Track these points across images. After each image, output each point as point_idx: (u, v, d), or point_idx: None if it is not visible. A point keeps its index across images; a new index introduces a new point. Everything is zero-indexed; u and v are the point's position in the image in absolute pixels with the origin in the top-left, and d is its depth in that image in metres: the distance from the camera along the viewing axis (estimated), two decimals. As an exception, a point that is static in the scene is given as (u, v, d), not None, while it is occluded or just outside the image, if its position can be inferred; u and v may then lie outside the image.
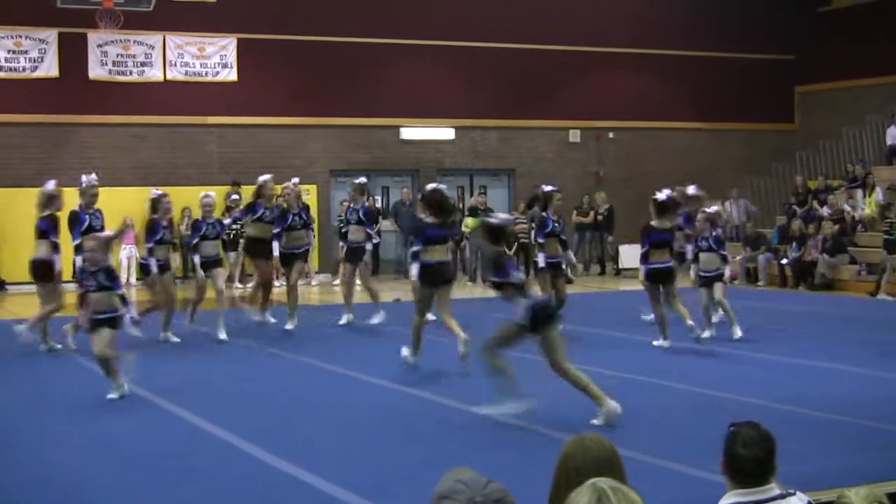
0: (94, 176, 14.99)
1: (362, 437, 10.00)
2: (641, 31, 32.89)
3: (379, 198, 30.39)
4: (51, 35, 27.48)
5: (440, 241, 13.89)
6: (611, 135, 32.90)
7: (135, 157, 28.34)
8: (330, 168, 30.23)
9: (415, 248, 13.96)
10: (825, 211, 27.83)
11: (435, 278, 13.78)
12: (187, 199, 27.87)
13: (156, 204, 16.19)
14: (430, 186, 14.29)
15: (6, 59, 27.18)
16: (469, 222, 27.62)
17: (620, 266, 29.60)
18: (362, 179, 19.00)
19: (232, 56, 29.09)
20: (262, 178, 18.43)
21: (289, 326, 17.60)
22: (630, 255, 29.11)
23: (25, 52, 27.35)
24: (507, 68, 31.41)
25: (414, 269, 13.82)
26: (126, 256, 27.49)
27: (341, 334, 17.63)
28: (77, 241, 14.34)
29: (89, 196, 15.21)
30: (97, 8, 25.75)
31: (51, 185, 14.75)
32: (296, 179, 19.17)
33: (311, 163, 29.87)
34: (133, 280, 27.45)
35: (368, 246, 18.48)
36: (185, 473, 8.72)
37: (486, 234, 10.79)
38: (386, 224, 29.27)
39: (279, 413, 11.22)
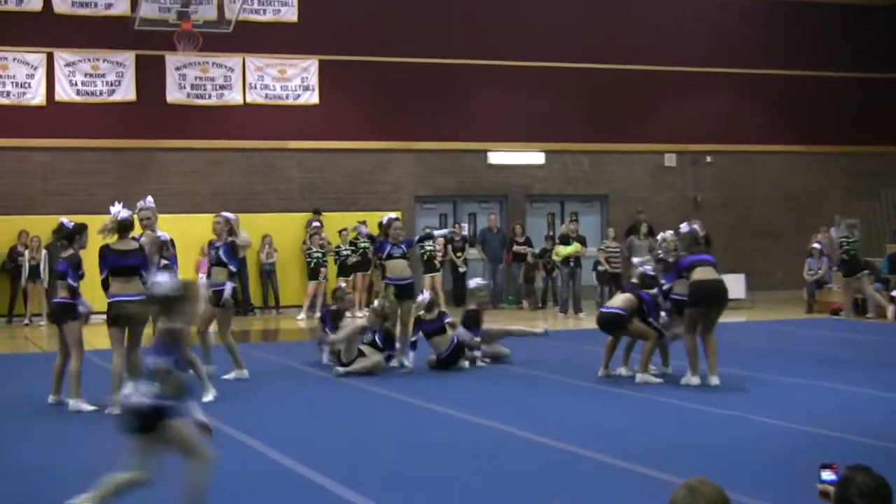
0: (150, 199, 14.36)
1: (443, 470, 9.66)
2: (740, 49, 32.36)
3: (466, 224, 30.09)
4: (128, 58, 27.56)
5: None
6: (708, 158, 32.36)
7: (213, 183, 28.31)
8: (415, 194, 30.00)
9: None
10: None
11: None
12: (266, 227, 27.84)
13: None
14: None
15: (83, 83, 27.29)
16: (560, 250, 27.22)
17: (719, 296, 28.94)
18: (230, 215, 16.04)
19: (313, 78, 29.00)
20: (389, 216, 17.87)
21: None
22: (731, 285, 28.45)
23: (102, 75, 27.45)
24: (600, 89, 31.04)
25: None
26: (204, 286, 27.30)
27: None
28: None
29: (142, 221, 14.51)
30: (175, 30, 25.76)
31: (116, 209, 13.93)
32: (229, 216, 16.21)
33: (394, 188, 29.67)
34: (211, 310, 27.29)
35: (227, 288, 15.55)
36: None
37: None
38: (473, 252, 29.00)
39: (352, 443, 10.93)
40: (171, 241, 14.54)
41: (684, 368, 14.76)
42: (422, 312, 16.51)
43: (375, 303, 17.00)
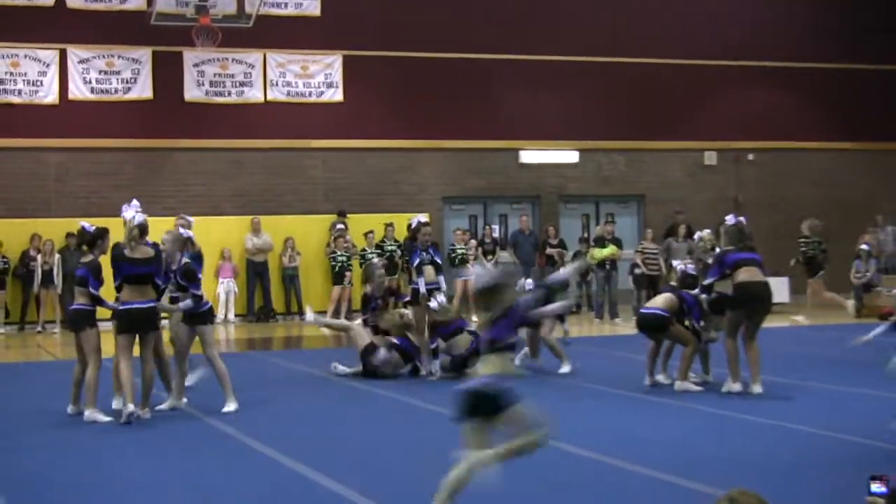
0: (135, 203, 13.99)
1: (476, 485, 9.64)
2: (785, 40, 32.28)
3: (497, 227, 30.07)
4: (144, 54, 27.67)
5: None
6: (750, 156, 32.28)
7: (233, 184, 28.40)
8: (443, 195, 30.02)
9: None
10: None
11: None
12: (289, 229, 27.92)
13: None
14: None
15: (97, 81, 27.42)
16: (596, 253, 27.17)
17: (762, 301, 28.84)
18: (185, 232, 14.37)
19: (337, 75, 29.05)
20: (417, 218, 17.79)
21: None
22: (774, 289, 28.32)
23: (118, 72, 27.57)
24: (636, 85, 30.99)
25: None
26: (224, 291, 27.45)
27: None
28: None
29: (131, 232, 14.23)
30: (193, 25, 25.88)
31: (128, 212, 13.82)
32: (183, 231, 14.51)
33: (421, 189, 29.70)
34: (231, 317, 27.43)
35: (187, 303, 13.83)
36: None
37: None
38: (504, 255, 28.97)
39: (377, 455, 10.93)
40: (193, 239, 14.39)
41: (725, 376, 14.69)
42: (440, 318, 16.50)
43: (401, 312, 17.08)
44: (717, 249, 15.09)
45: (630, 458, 10.45)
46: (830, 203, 32.28)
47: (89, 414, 13.08)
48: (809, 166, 32.58)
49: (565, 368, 16.70)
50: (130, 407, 12.69)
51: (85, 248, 13.52)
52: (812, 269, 25.51)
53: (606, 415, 13.30)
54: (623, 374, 16.09)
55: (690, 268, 15.62)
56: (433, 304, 16.40)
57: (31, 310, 26.33)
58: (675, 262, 17.82)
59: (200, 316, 13.66)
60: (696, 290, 15.01)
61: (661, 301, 15.15)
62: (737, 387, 14.36)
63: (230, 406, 13.56)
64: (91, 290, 13.02)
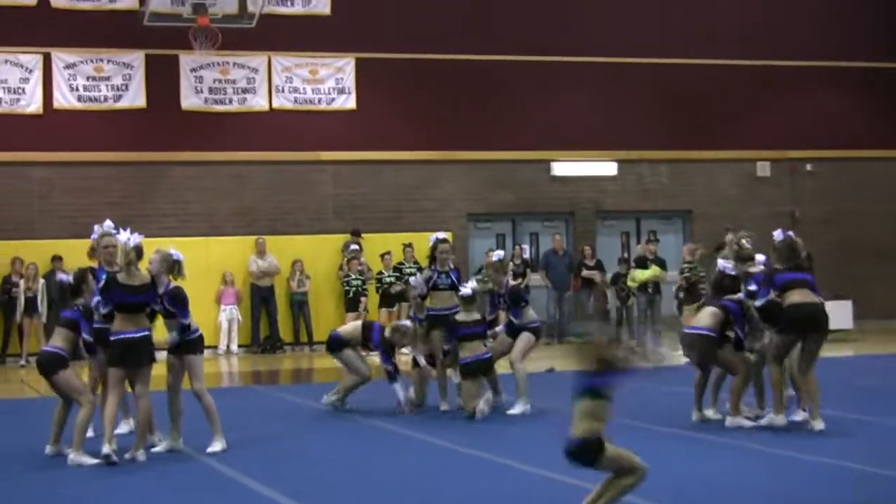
0: (108, 223, 13.88)
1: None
2: (847, 38, 32.10)
3: (526, 246, 29.93)
4: (137, 58, 27.66)
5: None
6: (808, 167, 32.10)
7: (236, 201, 28.34)
8: (467, 212, 29.91)
9: None
10: None
11: None
12: (297, 251, 27.84)
13: None
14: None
15: (85, 88, 27.41)
16: (637, 275, 26.99)
17: (822, 326, 28.63)
18: (177, 254, 13.74)
19: (350, 79, 29.01)
20: (436, 236, 17.57)
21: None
22: (836, 314, 28.16)
23: (107, 78, 27.55)
24: (681, 88, 30.85)
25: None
26: (226, 318, 27.36)
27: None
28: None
29: (103, 251, 14.18)
30: (191, 26, 25.86)
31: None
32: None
33: (444, 206, 29.60)
34: (234, 347, 27.32)
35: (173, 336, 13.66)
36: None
37: None
38: (536, 278, 28.82)
39: (395, 500, 10.80)
40: (182, 263, 14.21)
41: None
42: (461, 315, 16.19)
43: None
44: (760, 257, 14.97)
45: (679, 504, 10.32)
46: (898, 217, 32.07)
47: (74, 457, 12.95)
48: (874, 178, 32.36)
49: (518, 408, 16.10)
50: (106, 448, 12.57)
51: (72, 298, 13.48)
52: (692, 296, 25.70)
53: (651, 454, 13.06)
54: (667, 409, 15.86)
55: (728, 266, 15.30)
56: (464, 290, 16.08)
57: (14, 341, 26.27)
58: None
59: (189, 344, 13.48)
60: (741, 295, 14.78)
61: (706, 318, 14.84)
62: (780, 420, 14.14)
63: (216, 446, 13.41)
64: (84, 335, 13.02)
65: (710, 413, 15.05)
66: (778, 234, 14.59)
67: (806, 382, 14.23)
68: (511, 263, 28.38)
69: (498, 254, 17.37)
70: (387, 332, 16.61)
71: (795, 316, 14.15)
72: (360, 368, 16.72)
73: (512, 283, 16.90)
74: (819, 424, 13.96)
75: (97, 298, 13.16)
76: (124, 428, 14.50)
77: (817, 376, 14.22)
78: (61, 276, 13.82)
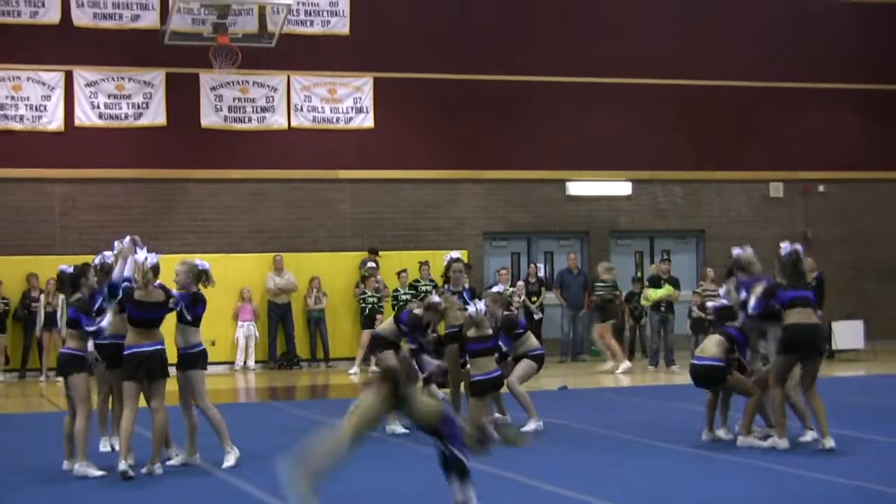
0: (127, 240, 13.87)
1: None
2: (859, 60, 31.98)
3: (542, 265, 29.86)
4: (157, 77, 27.63)
5: None
6: (821, 188, 31.97)
7: (254, 219, 28.29)
8: (483, 230, 29.83)
9: None
10: None
11: None
12: (315, 268, 27.77)
13: None
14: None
15: (106, 106, 27.38)
16: (650, 294, 26.89)
17: (835, 347, 28.48)
18: (202, 264, 13.98)
19: (368, 99, 28.95)
20: (450, 255, 17.50)
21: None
22: (848, 333, 28.12)
23: (128, 96, 27.53)
24: (694, 109, 30.75)
25: None
26: (244, 335, 27.29)
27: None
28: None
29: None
30: (211, 45, 25.82)
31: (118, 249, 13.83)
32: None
33: (460, 224, 29.51)
34: (252, 363, 27.25)
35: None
36: None
37: None
38: (550, 296, 28.73)
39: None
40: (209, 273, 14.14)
41: (799, 429, 14.37)
42: (471, 331, 15.98)
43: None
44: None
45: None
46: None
47: (79, 467, 12.95)
48: (887, 199, 32.23)
49: (531, 426, 16.00)
50: (122, 465, 12.55)
51: (69, 290, 13.49)
52: (604, 315, 26.80)
53: (666, 474, 13.00)
54: (680, 428, 15.80)
55: (722, 302, 15.26)
56: (471, 309, 15.89)
57: (33, 356, 26.25)
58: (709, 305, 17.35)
59: (190, 359, 13.40)
60: (741, 320, 14.71)
61: (711, 347, 14.76)
62: (783, 443, 14.04)
63: (230, 460, 13.34)
64: (86, 328, 12.97)
65: (721, 433, 14.94)
66: (785, 247, 14.42)
67: (812, 402, 14.14)
68: (526, 282, 28.43)
69: (498, 287, 17.28)
70: (416, 310, 16.30)
71: (795, 337, 14.06)
72: None
73: (506, 313, 16.65)
74: (829, 442, 13.87)
75: (101, 324, 13.14)
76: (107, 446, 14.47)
77: (823, 395, 14.13)
78: (63, 266, 13.84)
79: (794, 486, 12.03)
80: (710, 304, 15.51)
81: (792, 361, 14.14)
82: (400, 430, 15.80)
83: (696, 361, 15.13)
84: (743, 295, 14.61)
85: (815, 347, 14.20)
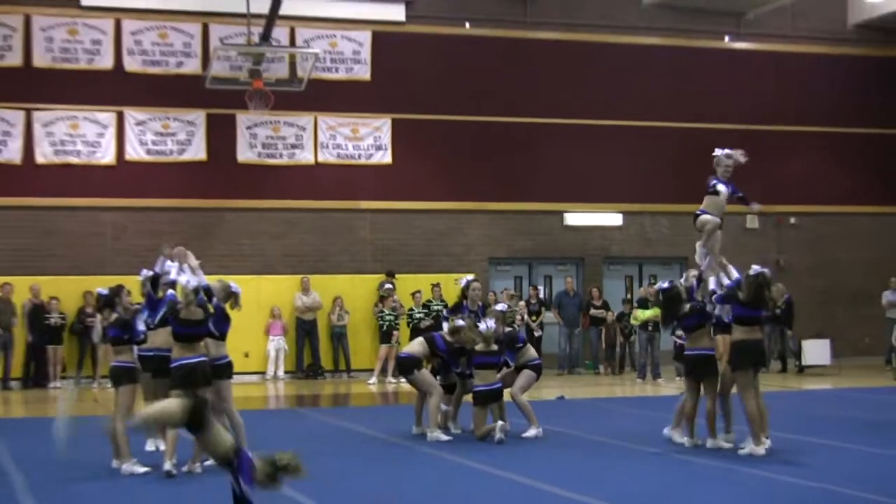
0: (144, 271, 13.99)
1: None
2: (825, 107, 32.04)
3: (541, 287, 29.91)
4: (199, 117, 27.72)
5: None
6: (792, 220, 31.96)
7: (284, 244, 28.33)
8: (489, 256, 29.84)
9: None
10: None
11: None
12: (338, 289, 27.81)
13: None
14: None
15: (153, 142, 27.47)
16: (639, 315, 26.92)
17: (804, 363, 28.47)
18: (233, 285, 14.09)
19: (386, 137, 29.00)
20: (467, 278, 17.55)
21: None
22: (816, 351, 28.15)
23: (173, 134, 27.62)
24: (679, 149, 30.71)
25: None
26: (274, 348, 27.32)
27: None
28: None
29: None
30: (247, 89, 25.85)
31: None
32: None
33: (469, 250, 29.54)
34: (281, 373, 27.28)
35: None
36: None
37: None
38: (549, 316, 28.75)
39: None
40: (239, 295, 14.22)
41: (746, 433, 14.34)
42: (479, 346, 15.97)
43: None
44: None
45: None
46: (875, 266, 31.73)
47: (126, 466, 13.05)
48: (851, 230, 32.23)
49: (532, 432, 16.05)
50: (167, 465, 12.67)
51: (106, 311, 13.64)
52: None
53: (651, 477, 12.98)
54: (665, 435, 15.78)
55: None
56: (482, 326, 15.89)
57: (87, 364, 26.32)
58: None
59: (218, 369, 13.49)
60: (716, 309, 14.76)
61: (706, 340, 14.81)
62: (760, 449, 14.06)
63: None
64: (137, 337, 13.24)
65: (721, 440, 14.80)
66: (755, 268, 14.46)
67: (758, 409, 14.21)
68: (526, 303, 28.44)
69: (501, 305, 17.22)
70: (448, 337, 16.28)
71: (741, 351, 14.15)
72: (434, 384, 16.15)
73: (507, 329, 16.66)
74: (759, 450, 13.98)
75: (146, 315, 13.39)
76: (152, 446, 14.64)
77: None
78: (99, 289, 14.08)
79: (768, 489, 12.02)
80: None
81: (741, 373, 14.18)
82: (444, 437, 15.83)
83: (690, 352, 15.02)
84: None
85: (756, 361, 14.29)
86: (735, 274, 14.92)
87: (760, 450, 14.02)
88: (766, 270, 14.47)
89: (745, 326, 14.21)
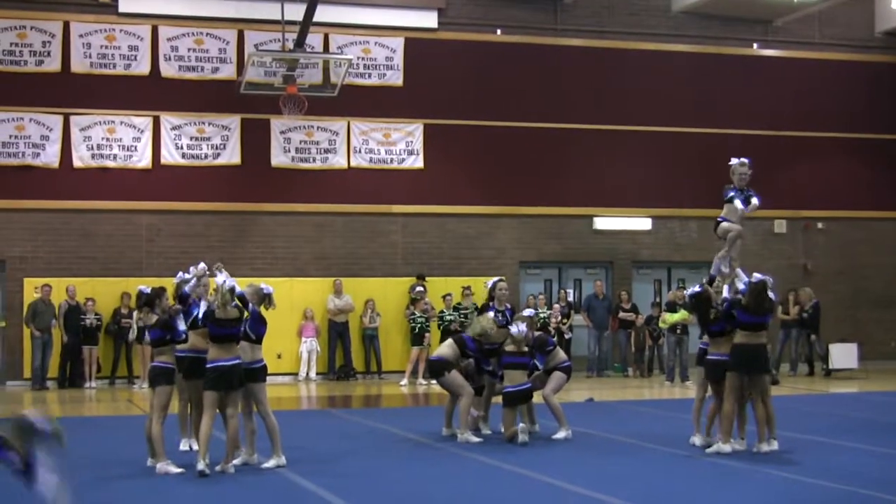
0: (202, 265, 13.99)
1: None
2: (852, 113, 31.86)
3: (571, 291, 29.84)
4: (234, 122, 27.76)
5: None
6: (819, 225, 31.80)
7: (317, 247, 28.33)
8: (520, 259, 29.78)
9: None
10: None
11: None
12: (370, 291, 27.81)
13: None
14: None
15: (189, 147, 27.52)
16: (667, 318, 26.80)
17: (831, 366, 28.31)
18: (267, 288, 13.99)
19: (418, 142, 28.98)
20: (494, 280, 17.49)
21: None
22: (843, 354, 28.02)
23: (208, 138, 27.65)
24: (708, 154, 30.50)
25: None
26: (307, 350, 27.33)
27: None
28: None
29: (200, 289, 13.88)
30: (281, 94, 25.87)
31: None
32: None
33: (499, 254, 29.48)
34: (313, 374, 27.29)
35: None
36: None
37: None
38: (578, 318, 28.69)
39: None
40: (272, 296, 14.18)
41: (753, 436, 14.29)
42: (510, 347, 15.90)
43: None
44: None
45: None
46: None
47: (161, 465, 13.07)
48: (880, 235, 32.05)
49: (561, 434, 16.05)
50: (200, 465, 12.67)
51: (146, 309, 13.63)
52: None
53: (678, 478, 12.92)
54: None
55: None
56: (514, 330, 15.82)
57: (122, 365, 26.41)
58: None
59: (253, 373, 13.47)
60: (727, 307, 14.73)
61: (728, 346, 14.75)
62: (727, 448, 14.20)
63: (271, 462, 13.38)
64: (179, 337, 13.21)
65: (736, 444, 14.71)
66: (756, 277, 14.54)
67: (757, 410, 14.44)
68: (557, 304, 28.39)
69: (529, 311, 17.13)
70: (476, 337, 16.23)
71: (739, 355, 14.29)
72: (464, 386, 16.01)
73: (538, 333, 16.65)
74: (726, 448, 14.20)
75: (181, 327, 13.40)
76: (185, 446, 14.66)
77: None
78: (142, 287, 14.03)
79: (795, 491, 11.94)
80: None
81: (739, 376, 14.30)
82: (474, 439, 15.79)
83: (713, 356, 14.95)
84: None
85: (756, 365, 14.36)
86: (745, 279, 14.89)
87: (727, 448, 14.20)
88: (767, 278, 14.55)
89: (747, 331, 14.29)
